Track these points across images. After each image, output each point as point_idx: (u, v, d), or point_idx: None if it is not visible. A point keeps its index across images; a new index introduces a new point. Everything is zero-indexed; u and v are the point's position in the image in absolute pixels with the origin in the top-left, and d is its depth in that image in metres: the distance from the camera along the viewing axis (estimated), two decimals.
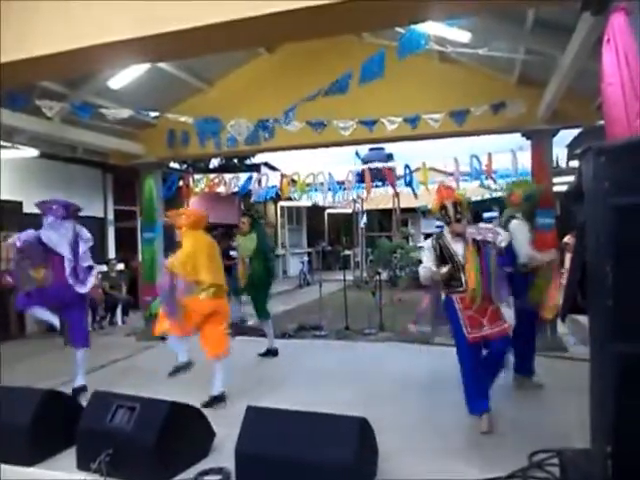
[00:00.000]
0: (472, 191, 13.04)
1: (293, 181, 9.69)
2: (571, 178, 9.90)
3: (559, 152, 8.99)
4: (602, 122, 3.32)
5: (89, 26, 3.54)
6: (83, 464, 3.30)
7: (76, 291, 5.06)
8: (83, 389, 5.14)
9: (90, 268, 5.25)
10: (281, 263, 18.74)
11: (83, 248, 5.17)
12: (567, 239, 6.42)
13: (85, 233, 5.26)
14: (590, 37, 4.10)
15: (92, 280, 5.24)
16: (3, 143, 7.27)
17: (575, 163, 8.92)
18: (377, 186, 12.31)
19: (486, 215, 19.89)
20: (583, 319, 5.27)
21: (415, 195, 9.68)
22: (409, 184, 8.69)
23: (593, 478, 2.44)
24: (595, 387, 2.38)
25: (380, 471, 3.17)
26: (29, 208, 8.66)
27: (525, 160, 7.73)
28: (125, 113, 6.54)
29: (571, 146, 8.90)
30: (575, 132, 8.44)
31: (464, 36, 5.65)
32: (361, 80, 5.05)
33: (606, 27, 3.04)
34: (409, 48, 4.65)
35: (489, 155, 7.94)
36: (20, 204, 8.60)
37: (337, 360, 6.53)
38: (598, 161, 2.22)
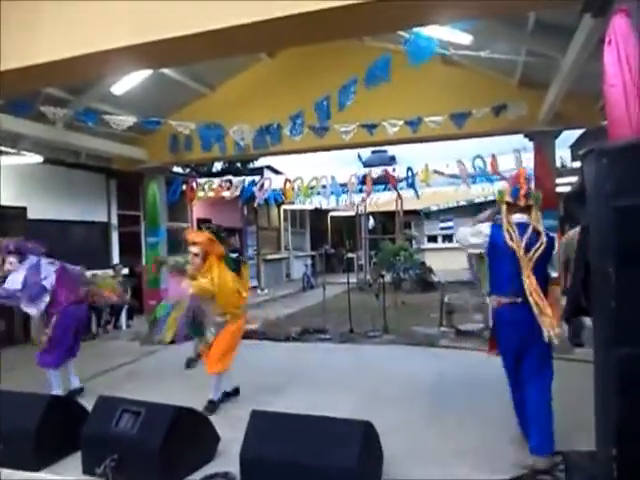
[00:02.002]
0: (476, 193, 13.07)
1: (297, 187, 9.71)
2: (575, 179, 9.89)
3: (563, 153, 8.95)
4: (605, 123, 3.31)
5: (91, 33, 3.57)
6: (88, 469, 3.31)
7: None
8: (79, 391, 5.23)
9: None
10: (285, 266, 18.74)
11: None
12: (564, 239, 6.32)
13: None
14: (591, 38, 4.11)
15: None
16: (7, 149, 7.31)
17: (579, 164, 8.90)
18: (379, 190, 12.37)
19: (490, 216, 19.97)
20: (586, 320, 5.27)
21: (417, 196, 9.68)
22: (411, 186, 8.70)
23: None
24: (599, 389, 2.37)
25: (385, 474, 3.17)
26: (33, 214, 8.72)
27: (528, 161, 7.73)
28: (128, 121, 6.57)
29: (574, 147, 8.89)
30: (579, 133, 8.42)
31: (466, 38, 5.66)
32: (366, 84, 5.07)
33: (607, 28, 3.04)
34: (421, 55, 4.63)
35: (493, 156, 7.93)
36: (24, 210, 8.63)
37: (341, 363, 6.52)
38: (600, 162, 2.22)
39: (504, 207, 3.55)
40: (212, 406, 4.61)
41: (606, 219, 2.20)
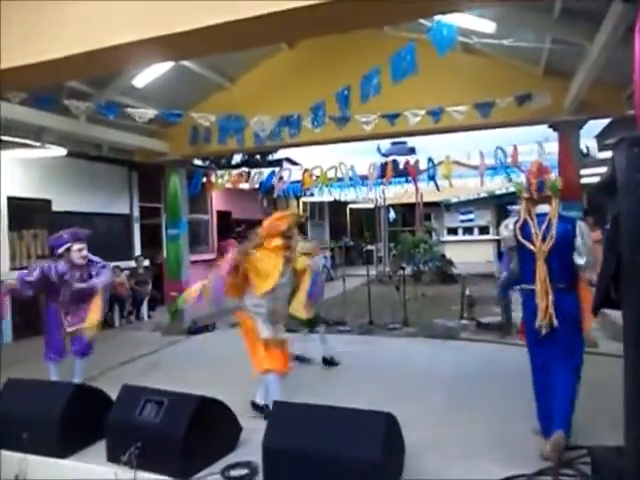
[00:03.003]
0: (497, 185, 12.89)
1: (316, 176, 9.65)
2: (599, 170, 9.69)
3: (588, 143, 8.76)
4: (632, 112, 3.23)
5: (113, 26, 3.57)
6: (113, 456, 3.36)
7: None
8: None
9: None
10: None
11: None
12: (595, 236, 6.23)
13: None
14: (620, 25, 3.99)
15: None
16: (32, 143, 7.43)
17: (604, 154, 8.71)
18: (399, 182, 12.25)
19: (510, 209, 19.70)
20: (613, 313, 5.17)
21: (437, 188, 9.57)
22: (432, 178, 8.60)
23: (626, 476, 2.39)
24: (629, 383, 2.32)
25: (406, 466, 3.16)
26: (57, 206, 8.86)
27: (551, 151, 7.60)
28: (150, 114, 6.61)
29: (600, 137, 8.70)
30: (604, 122, 8.23)
31: (489, 26, 5.56)
32: (393, 78, 4.97)
33: (637, 15, 2.95)
34: (445, 43, 4.54)
35: (515, 147, 7.80)
36: (49, 202, 8.78)
37: (361, 355, 6.52)
38: (632, 152, 2.17)
39: (524, 200, 3.65)
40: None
41: (637, 209, 2.15)
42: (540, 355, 3.60)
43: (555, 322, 3.40)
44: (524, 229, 3.58)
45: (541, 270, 3.46)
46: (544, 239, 3.47)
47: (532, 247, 3.50)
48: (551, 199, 3.57)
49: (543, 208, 3.58)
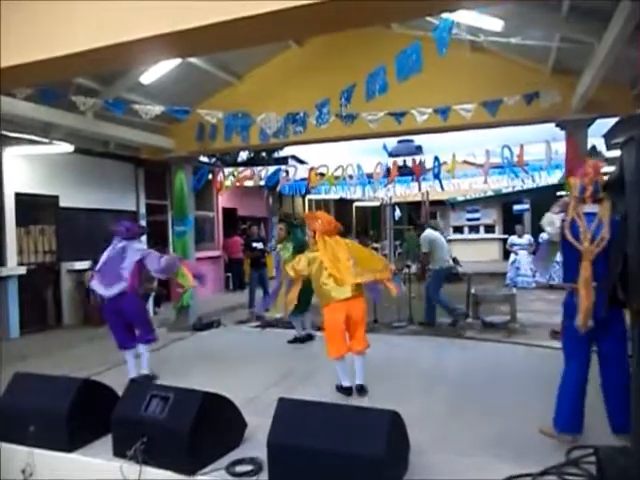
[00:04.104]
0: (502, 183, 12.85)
1: (322, 174, 9.66)
2: (607, 169, 9.63)
3: (595, 142, 8.71)
4: None
5: (122, 22, 3.58)
6: (119, 451, 3.38)
7: None
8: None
9: None
10: None
11: None
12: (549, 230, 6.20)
13: None
14: (628, 24, 3.98)
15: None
16: (40, 139, 7.47)
17: (612, 153, 8.66)
18: (405, 182, 12.26)
19: (516, 207, 19.61)
20: None
21: (442, 187, 9.57)
22: (437, 176, 8.59)
23: (631, 476, 2.38)
24: (637, 383, 2.32)
25: (410, 463, 3.16)
26: (65, 202, 8.91)
27: (557, 151, 7.58)
28: (156, 110, 6.63)
29: (608, 135, 8.64)
30: (612, 121, 8.18)
31: (497, 24, 5.54)
32: (398, 76, 4.95)
33: None
34: (444, 42, 4.54)
35: (521, 146, 7.78)
36: (56, 198, 8.83)
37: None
38: None
39: (573, 199, 3.61)
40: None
41: None
42: (580, 353, 3.60)
43: (590, 322, 3.37)
44: (572, 228, 3.54)
45: (586, 270, 3.39)
46: (593, 239, 3.42)
47: (580, 247, 3.44)
48: (602, 200, 3.52)
49: (590, 207, 3.53)
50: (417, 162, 8.95)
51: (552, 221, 3.72)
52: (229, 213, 14.36)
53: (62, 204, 8.90)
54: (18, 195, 8.08)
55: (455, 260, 14.88)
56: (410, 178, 12.36)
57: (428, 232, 8.42)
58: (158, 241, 10.69)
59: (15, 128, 7.20)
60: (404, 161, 9.44)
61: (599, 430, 3.56)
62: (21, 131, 7.28)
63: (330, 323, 4.73)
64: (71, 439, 3.57)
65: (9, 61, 3.72)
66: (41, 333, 8.18)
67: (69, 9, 3.65)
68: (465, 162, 8.62)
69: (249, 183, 10.10)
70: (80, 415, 3.63)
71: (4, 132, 7.23)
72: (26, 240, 8.40)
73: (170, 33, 3.33)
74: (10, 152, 7.88)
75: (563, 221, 3.60)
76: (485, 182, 9.05)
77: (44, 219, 8.75)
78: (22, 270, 8.03)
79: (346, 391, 4.75)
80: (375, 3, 3.17)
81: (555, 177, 10.68)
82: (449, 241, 18.61)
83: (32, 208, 8.46)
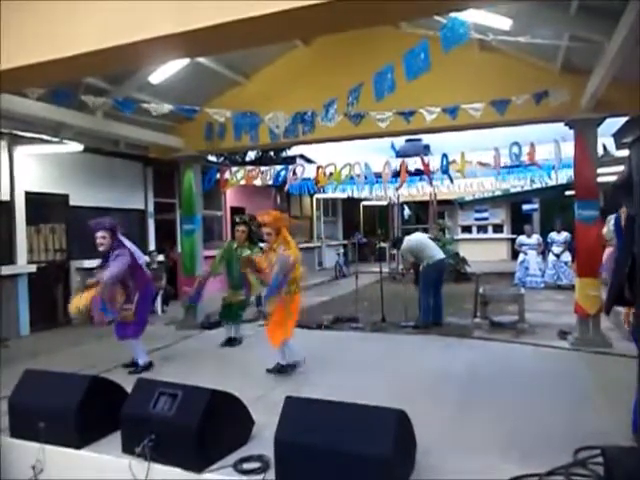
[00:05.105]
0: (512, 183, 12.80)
1: (330, 173, 9.66)
2: (616, 168, 9.57)
3: (605, 141, 8.64)
4: None
5: (130, 22, 3.60)
6: (128, 448, 3.41)
7: None
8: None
9: None
10: (317, 255, 18.79)
11: None
12: (604, 231, 6.15)
13: None
14: (638, 23, 3.94)
15: None
16: (50, 138, 7.54)
17: (622, 153, 8.59)
18: (412, 181, 12.25)
19: (525, 207, 19.50)
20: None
21: (451, 180, 9.52)
22: (445, 172, 8.56)
23: (639, 476, 2.38)
24: None
25: (417, 463, 3.16)
26: (74, 201, 8.98)
27: (567, 151, 7.52)
28: (165, 108, 6.66)
29: (617, 135, 8.58)
30: (621, 120, 8.12)
31: (505, 23, 5.51)
32: (407, 75, 4.95)
33: None
34: (452, 40, 4.53)
35: (532, 144, 7.73)
36: (66, 197, 8.90)
37: (373, 352, 6.53)
38: None
39: None
40: (282, 368, 5.43)
41: None
42: None
43: None
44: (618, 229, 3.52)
45: None
46: None
47: None
48: None
49: None
50: (426, 162, 8.94)
51: (608, 221, 3.66)
52: (237, 212, 14.41)
53: (72, 203, 8.96)
54: (28, 194, 8.15)
55: (463, 260, 14.88)
56: (418, 178, 12.35)
57: (405, 242, 8.35)
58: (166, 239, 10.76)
59: (27, 128, 7.26)
60: (414, 162, 9.44)
61: (605, 430, 3.54)
62: (33, 130, 7.34)
63: (298, 309, 5.43)
64: (81, 435, 3.61)
65: (10, 62, 3.76)
66: (51, 331, 8.25)
67: (75, 9, 3.68)
68: (479, 164, 8.54)
69: (257, 182, 10.12)
70: (89, 412, 3.67)
71: (16, 132, 7.31)
72: (36, 238, 8.47)
73: (177, 33, 3.34)
74: (21, 151, 7.96)
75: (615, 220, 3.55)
76: (497, 180, 8.99)
77: (54, 218, 8.82)
78: (32, 268, 8.10)
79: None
80: (383, 3, 3.16)
81: (564, 177, 10.62)
82: (457, 241, 18.63)
83: (42, 207, 8.53)
